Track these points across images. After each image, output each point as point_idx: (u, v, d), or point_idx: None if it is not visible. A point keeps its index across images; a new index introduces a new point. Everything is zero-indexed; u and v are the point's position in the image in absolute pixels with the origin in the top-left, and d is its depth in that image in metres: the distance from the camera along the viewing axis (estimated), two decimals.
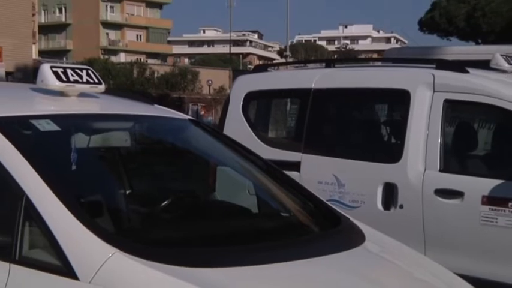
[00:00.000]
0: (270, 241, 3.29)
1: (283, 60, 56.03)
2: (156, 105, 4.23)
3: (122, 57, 76.03)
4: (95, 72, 3.77)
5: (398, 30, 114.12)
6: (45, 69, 3.57)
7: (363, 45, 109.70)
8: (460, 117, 6.39)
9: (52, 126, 3.42)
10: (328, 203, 3.97)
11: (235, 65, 72.88)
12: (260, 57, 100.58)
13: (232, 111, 7.30)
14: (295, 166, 6.47)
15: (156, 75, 54.38)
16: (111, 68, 52.58)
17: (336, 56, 68.67)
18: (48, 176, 2.93)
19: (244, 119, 7.20)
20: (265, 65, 8.41)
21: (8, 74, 19.94)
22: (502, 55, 6.72)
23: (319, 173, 6.39)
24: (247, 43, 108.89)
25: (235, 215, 3.76)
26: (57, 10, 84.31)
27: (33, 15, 42.16)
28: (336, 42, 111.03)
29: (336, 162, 6.45)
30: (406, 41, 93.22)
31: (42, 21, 78.27)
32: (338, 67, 7.37)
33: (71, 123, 3.67)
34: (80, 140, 3.79)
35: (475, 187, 5.75)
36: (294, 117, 7.31)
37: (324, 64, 7.44)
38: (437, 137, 6.04)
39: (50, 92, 3.60)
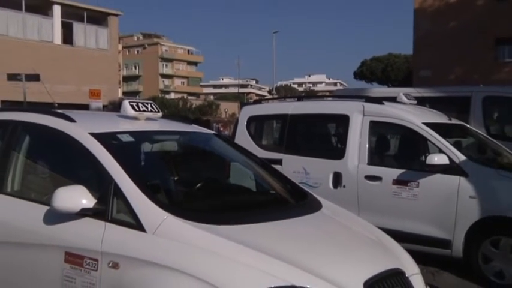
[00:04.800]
0: (263, 209, 3.27)
1: (271, 96, 55.93)
2: (193, 125, 4.21)
3: (172, 96, 75.78)
4: (156, 105, 3.76)
5: (341, 78, 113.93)
6: (126, 103, 3.59)
7: (320, 87, 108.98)
8: (379, 131, 6.38)
9: (130, 138, 3.42)
10: (299, 184, 3.94)
11: (242, 100, 72.61)
12: (257, 94, 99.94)
13: (240, 128, 7.31)
14: (279, 162, 6.48)
15: (193, 106, 54.37)
16: (165, 102, 52.50)
17: (303, 94, 68.50)
18: (128, 169, 2.92)
19: (247, 133, 7.21)
20: (260, 100, 8.35)
21: (104, 106, 20.03)
22: (404, 94, 6.73)
23: (294, 166, 6.38)
24: (249, 86, 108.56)
25: (242, 193, 3.72)
26: (133, 67, 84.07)
27: (119, 70, 42.24)
28: (303, 85, 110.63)
29: (304, 159, 6.45)
30: (346, 85, 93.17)
31: (124, 73, 78.34)
32: (305, 101, 7.40)
33: (141, 136, 3.64)
34: (146, 147, 3.79)
35: (389, 174, 5.75)
36: (278, 132, 7.31)
37: (296, 99, 7.46)
38: (366, 143, 6.04)
39: (128, 117, 3.58)
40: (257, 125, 7.43)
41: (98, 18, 27.30)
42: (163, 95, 71.41)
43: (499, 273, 5.08)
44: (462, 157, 5.38)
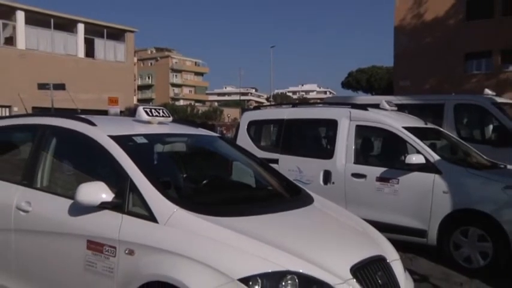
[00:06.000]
0: (262, 202, 3.26)
1: (268, 103, 55.86)
2: (199, 128, 4.19)
3: (181, 102, 75.41)
4: (167, 111, 3.74)
5: (331, 87, 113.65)
6: (140, 109, 3.58)
7: (312, 95, 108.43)
8: (364, 134, 6.35)
9: (144, 140, 3.40)
10: (293, 181, 3.93)
11: (243, 106, 72.28)
12: (256, 101, 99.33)
13: (241, 131, 7.29)
14: (276, 161, 6.46)
15: (199, 112, 54.27)
16: (175, 108, 52.23)
17: (297, 101, 68.30)
18: (142, 167, 2.91)
19: (247, 135, 7.19)
20: (259, 106, 8.33)
21: (121, 112, 20.00)
22: (386, 101, 6.72)
23: (289, 165, 6.36)
24: (249, 94, 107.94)
25: (243, 189, 3.71)
26: (147, 77, 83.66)
27: (134, 80, 42.28)
28: (297, 93, 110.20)
29: (298, 159, 6.42)
30: (335, 93, 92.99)
31: (139, 83, 78.20)
32: (299, 107, 7.37)
33: (153, 138, 3.61)
34: (158, 147, 3.77)
35: (372, 172, 5.74)
36: (275, 134, 7.29)
37: (291, 105, 7.44)
38: (352, 145, 6.04)
39: (142, 122, 3.57)
40: (256, 128, 7.42)
41: (116, 35, 27.36)
42: (173, 102, 71.23)
43: (467, 258, 5.10)
44: (436, 157, 5.39)
